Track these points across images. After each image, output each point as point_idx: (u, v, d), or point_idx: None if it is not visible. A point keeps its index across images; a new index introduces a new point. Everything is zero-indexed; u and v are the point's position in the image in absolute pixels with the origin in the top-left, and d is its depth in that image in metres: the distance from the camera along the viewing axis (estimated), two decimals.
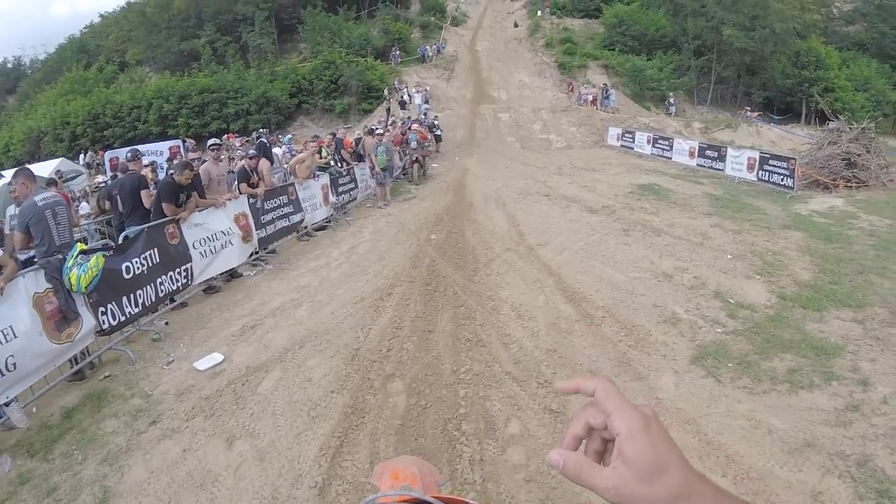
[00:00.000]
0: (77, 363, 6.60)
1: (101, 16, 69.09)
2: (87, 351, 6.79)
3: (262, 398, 5.85)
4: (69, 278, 6.26)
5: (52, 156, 34.57)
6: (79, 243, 6.91)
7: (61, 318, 6.17)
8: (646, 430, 0.73)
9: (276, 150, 20.21)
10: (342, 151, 17.00)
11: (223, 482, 4.64)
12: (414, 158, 20.87)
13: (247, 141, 23.31)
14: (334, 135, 18.56)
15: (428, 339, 7.01)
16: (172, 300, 8.66)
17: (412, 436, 5.13)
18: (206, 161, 11.04)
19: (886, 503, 4.23)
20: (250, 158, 11.43)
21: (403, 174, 21.20)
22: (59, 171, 22.13)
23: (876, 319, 7.42)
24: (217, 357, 6.86)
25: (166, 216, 8.59)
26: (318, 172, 13.88)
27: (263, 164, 11.82)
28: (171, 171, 9.30)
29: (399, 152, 20.64)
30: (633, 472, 0.72)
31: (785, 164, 18.27)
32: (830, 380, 5.89)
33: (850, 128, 20.54)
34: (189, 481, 4.68)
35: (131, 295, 7.33)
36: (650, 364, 6.35)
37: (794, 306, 7.92)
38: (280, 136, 31.87)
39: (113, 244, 7.72)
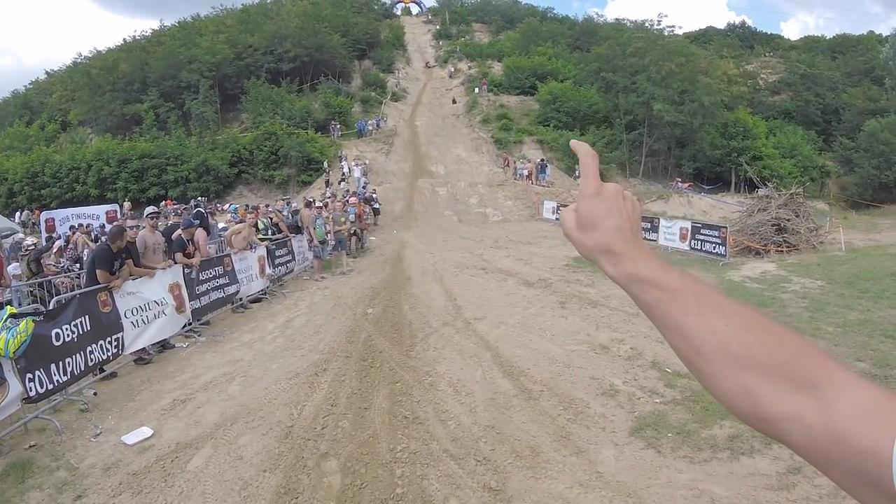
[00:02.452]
0: None
1: (47, 73, 68.68)
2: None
3: (191, 476, 5.62)
4: None
5: None
6: (8, 306, 6.68)
7: None
8: (594, 196, 0.99)
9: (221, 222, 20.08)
10: (280, 223, 16.86)
11: None
12: (352, 231, 20.87)
13: (184, 209, 23.07)
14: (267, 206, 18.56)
15: (364, 416, 6.89)
16: (102, 370, 8.37)
17: None
18: (142, 228, 10.83)
19: None
20: (185, 228, 11.26)
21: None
22: None
23: None
24: (146, 431, 6.61)
25: (99, 283, 8.40)
26: (255, 244, 13.76)
27: (200, 234, 11.67)
28: (106, 238, 9.13)
29: None
30: (576, 220, 1.02)
31: (716, 233, 18.72)
32: (771, 444, 5.92)
33: (779, 194, 21.41)
34: None
35: (60, 362, 7.06)
36: (589, 437, 6.32)
37: None
38: (218, 205, 31.62)
39: (43, 309, 7.48)
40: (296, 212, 19.51)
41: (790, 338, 0.78)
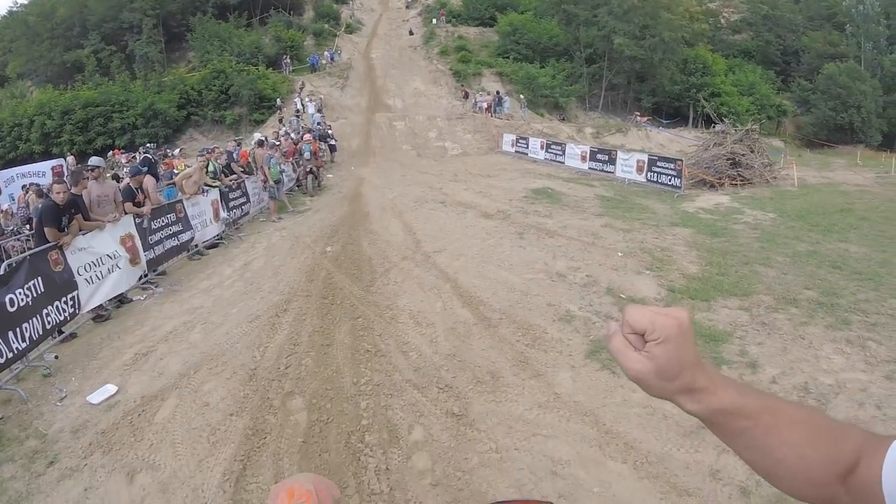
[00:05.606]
0: None
1: None
2: None
3: (159, 428, 5.67)
4: None
5: None
6: None
7: None
8: (678, 337, 0.91)
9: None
10: (232, 165, 16.41)
11: None
12: (308, 169, 20.57)
13: (132, 157, 22.48)
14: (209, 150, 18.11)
15: (326, 353, 6.97)
16: (61, 331, 8.18)
17: (316, 452, 5.11)
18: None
19: None
20: (133, 176, 10.98)
21: (297, 186, 20.84)
22: None
23: (761, 306, 7.94)
24: (110, 389, 6.57)
25: (49, 242, 8.14)
26: (206, 188, 13.46)
27: (149, 181, 11.39)
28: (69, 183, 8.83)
29: (293, 163, 20.33)
30: (654, 367, 0.92)
31: (672, 166, 19.10)
32: (720, 364, 6.24)
33: (735, 130, 21.84)
34: None
35: (17, 329, 6.86)
36: (547, 361, 6.56)
37: (682, 298, 8.35)
38: (168, 151, 30.82)
39: None
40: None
41: (839, 428, 0.94)
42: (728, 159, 20.37)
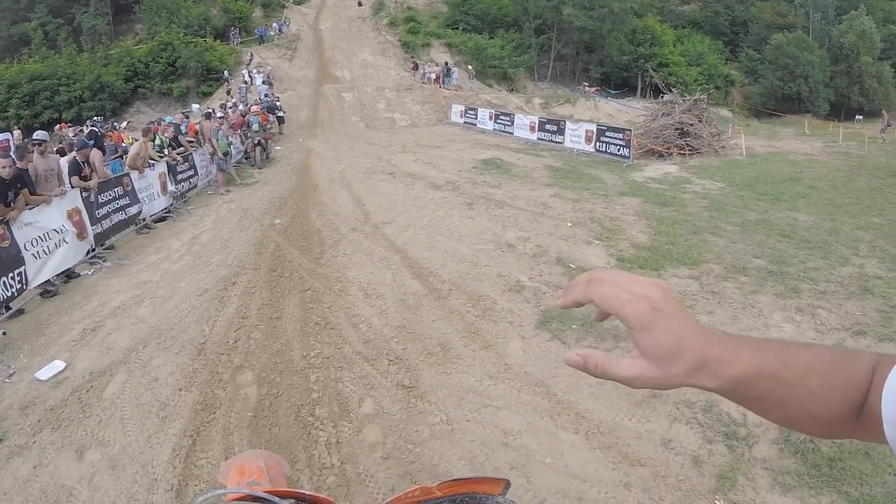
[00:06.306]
0: None
1: None
2: None
3: (108, 403, 5.60)
4: None
5: None
6: None
7: None
8: (656, 319, 0.79)
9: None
10: (180, 137, 16.09)
11: (78, 496, 4.46)
12: (256, 141, 20.28)
13: (80, 131, 21.89)
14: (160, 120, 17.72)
15: (276, 326, 6.95)
16: (8, 307, 8.02)
17: (266, 426, 5.11)
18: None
19: (734, 444, 4.63)
20: (79, 150, 10.74)
21: (246, 158, 20.53)
22: None
23: (711, 275, 8.14)
24: (59, 364, 6.47)
25: None
26: (152, 162, 13.14)
27: (95, 154, 11.14)
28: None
29: (241, 135, 20.01)
30: (651, 359, 0.80)
31: (621, 136, 19.33)
32: None
33: (683, 100, 22.06)
34: (43, 499, 4.45)
35: None
36: (498, 332, 6.63)
37: (632, 267, 8.50)
38: (115, 124, 30.07)
39: None
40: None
41: (852, 360, 0.85)
42: (676, 129, 20.63)
